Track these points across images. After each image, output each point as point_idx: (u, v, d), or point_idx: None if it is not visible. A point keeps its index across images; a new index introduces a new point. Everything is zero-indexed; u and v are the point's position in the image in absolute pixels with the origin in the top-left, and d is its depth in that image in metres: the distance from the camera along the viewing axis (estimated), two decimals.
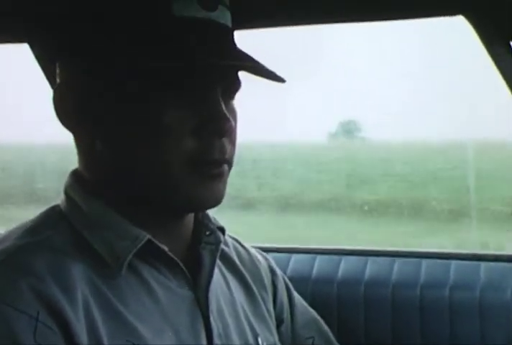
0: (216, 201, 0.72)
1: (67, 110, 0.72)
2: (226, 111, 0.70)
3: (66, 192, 0.75)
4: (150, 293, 0.71)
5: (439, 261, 1.37)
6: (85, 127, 0.72)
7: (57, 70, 0.74)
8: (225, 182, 0.73)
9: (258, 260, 0.91)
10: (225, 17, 0.71)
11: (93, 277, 0.68)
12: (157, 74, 0.67)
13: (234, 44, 0.72)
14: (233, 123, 0.71)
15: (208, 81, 0.69)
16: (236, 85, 0.74)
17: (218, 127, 0.69)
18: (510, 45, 1.06)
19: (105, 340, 0.65)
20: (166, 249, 0.72)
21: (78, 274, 0.67)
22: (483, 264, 1.34)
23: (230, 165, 0.73)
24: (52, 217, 0.73)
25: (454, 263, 1.35)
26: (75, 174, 0.76)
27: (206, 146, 0.69)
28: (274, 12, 1.09)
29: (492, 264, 1.34)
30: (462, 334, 1.30)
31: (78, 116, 0.72)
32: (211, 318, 0.75)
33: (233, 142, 0.73)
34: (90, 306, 0.66)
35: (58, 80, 0.74)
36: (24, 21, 0.87)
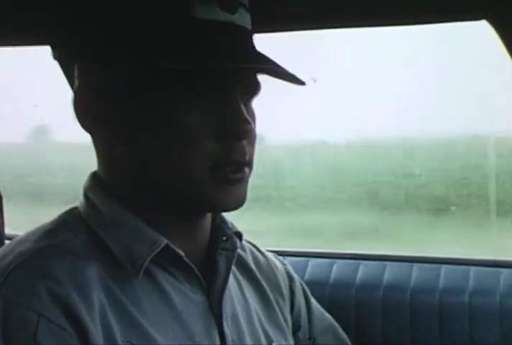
0: (237, 204, 0.72)
1: (85, 111, 0.72)
2: (246, 114, 0.70)
3: (85, 195, 0.75)
4: (165, 298, 0.71)
5: (458, 267, 1.36)
6: (104, 129, 0.72)
7: (76, 72, 0.74)
8: (246, 185, 0.73)
9: (275, 265, 0.91)
10: (245, 20, 0.71)
11: (109, 282, 0.68)
12: (177, 76, 0.67)
13: (254, 47, 0.72)
14: (253, 125, 0.71)
15: (228, 84, 0.69)
16: (255, 87, 0.74)
17: (238, 130, 0.69)
18: None
19: None
20: (182, 254, 0.72)
21: (95, 278, 0.67)
22: (503, 271, 1.32)
23: (250, 167, 0.73)
24: (70, 219, 0.74)
25: (473, 269, 1.34)
26: (94, 176, 0.76)
27: (226, 148, 0.69)
28: (294, 16, 1.09)
29: None
30: (482, 340, 1.29)
31: (97, 118, 0.72)
32: (225, 325, 0.75)
33: (252, 144, 0.73)
34: (106, 311, 0.66)
35: (77, 82, 0.74)
36: (46, 24, 0.88)
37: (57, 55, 0.76)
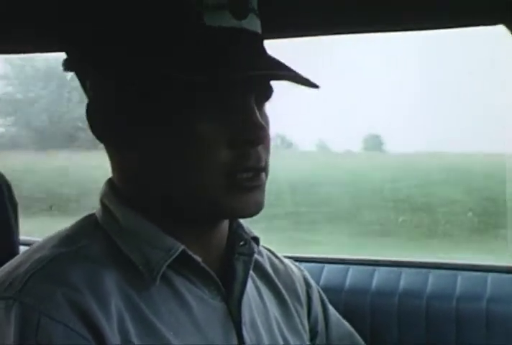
0: (255, 210, 0.71)
1: (99, 121, 0.72)
2: (260, 119, 0.69)
3: (102, 202, 0.75)
4: (183, 304, 0.71)
5: (475, 273, 1.34)
6: (115, 137, 0.72)
7: (88, 83, 0.74)
8: (263, 191, 0.72)
9: (293, 271, 0.90)
10: (255, 25, 0.71)
11: (127, 288, 0.68)
12: (189, 85, 0.66)
13: (265, 52, 0.72)
14: (268, 130, 0.71)
15: (241, 90, 0.69)
16: (268, 92, 0.73)
17: (253, 136, 0.68)
18: None
19: None
20: (200, 259, 0.72)
21: (112, 284, 0.67)
22: None
23: (267, 173, 0.73)
24: (87, 226, 0.74)
25: (490, 275, 1.33)
26: (110, 183, 0.76)
27: (242, 155, 0.68)
28: (304, 21, 1.09)
29: None
30: None
31: (110, 128, 0.71)
32: (244, 330, 0.75)
33: (267, 149, 0.72)
34: (124, 317, 0.66)
35: (91, 92, 0.74)
36: (59, 35, 0.87)
37: (71, 66, 0.75)
